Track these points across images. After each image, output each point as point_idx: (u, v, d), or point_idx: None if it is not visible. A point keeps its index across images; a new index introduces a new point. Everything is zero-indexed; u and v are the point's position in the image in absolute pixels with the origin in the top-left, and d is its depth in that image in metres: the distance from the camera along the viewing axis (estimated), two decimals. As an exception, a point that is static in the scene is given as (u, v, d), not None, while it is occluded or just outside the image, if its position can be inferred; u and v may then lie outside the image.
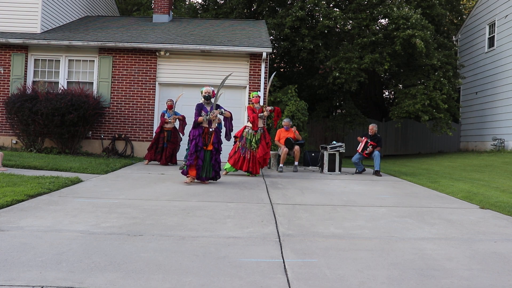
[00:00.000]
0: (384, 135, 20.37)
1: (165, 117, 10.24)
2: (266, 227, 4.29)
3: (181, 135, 10.45)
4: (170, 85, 12.01)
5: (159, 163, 10.30)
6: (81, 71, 12.09)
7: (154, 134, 10.80)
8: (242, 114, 11.94)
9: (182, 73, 12.05)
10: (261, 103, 9.09)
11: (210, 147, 7.14)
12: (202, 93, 7.32)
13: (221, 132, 7.41)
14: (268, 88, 9.16)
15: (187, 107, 11.22)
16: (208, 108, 7.22)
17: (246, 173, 8.65)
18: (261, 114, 8.69)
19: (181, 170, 7.31)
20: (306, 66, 19.38)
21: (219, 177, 7.42)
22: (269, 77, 11.87)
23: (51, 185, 6.09)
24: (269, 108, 8.78)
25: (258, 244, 3.70)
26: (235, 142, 8.80)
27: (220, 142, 7.34)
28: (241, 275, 2.94)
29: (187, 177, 7.10)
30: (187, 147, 9.33)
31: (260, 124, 8.73)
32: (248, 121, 8.77)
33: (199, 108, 7.18)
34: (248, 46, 11.78)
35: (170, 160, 10.33)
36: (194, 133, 7.12)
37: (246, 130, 8.67)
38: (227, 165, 8.68)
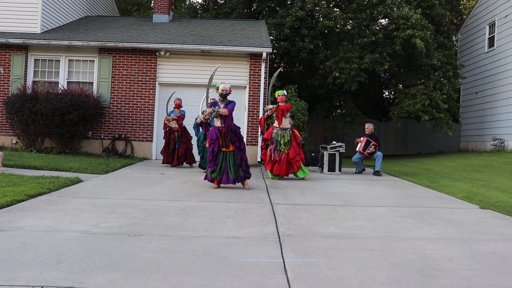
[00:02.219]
0: (384, 135, 20.38)
1: (170, 116, 10.00)
2: (266, 227, 4.28)
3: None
4: (170, 85, 12.00)
5: (169, 165, 10.00)
6: (81, 71, 12.09)
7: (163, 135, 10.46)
8: (243, 114, 11.95)
9: (182, 73, 12.05)
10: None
11: (232, 147, 6.68)
12: (218, 90, 6.81)
13: (239, 129, 6.91)
14: (270, 86, 8.75)
15: (186, 107, 11.21)
16: (222, 106, 6.74)
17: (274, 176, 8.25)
18: (266, 113, 8.24)
19: (204, 176, 6.94)
20: (306, 66, 19.38)
21: (250, 175, 6.91)
22: (269, 76, 11.88)
23: (51, 185, 6.09)
24: (270, 106, 8.24)
25: (258, 244, 3.70)
26: (266, 145, 8.31)
27: (241, 140, 6.80)
28: (241, 275, 2.94)
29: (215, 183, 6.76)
30: (199, 150, 9.22)
31: (287, 124, 8.22)
32: (276, 122, 8.30)
33: (213, 106, 6.74)
34: (248, 46, 11.78)
35: (184, 160, 10.06)
36: (212, 136, 6.65)
37: (275, 131, 8.16)
38: (269, 174, 8.29)
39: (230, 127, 6.69)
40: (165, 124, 10.20)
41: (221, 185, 6.81)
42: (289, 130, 8.21)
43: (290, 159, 8.07)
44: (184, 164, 10.29)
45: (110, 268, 2.99)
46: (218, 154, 6.63)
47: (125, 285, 2.71)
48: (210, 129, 6.88)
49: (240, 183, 6.85)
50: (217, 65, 11.89)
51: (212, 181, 6.77)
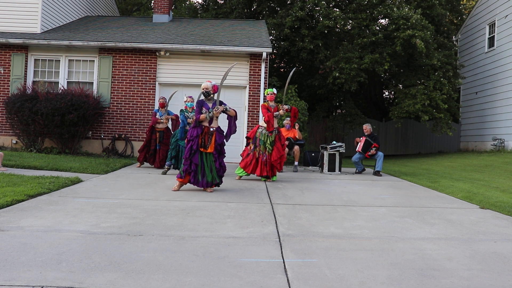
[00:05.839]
0: (384, 135, 20.38)
1: (157, 116, 9.54)
2: (266, 227, 4.28)
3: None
4: (170, 85, 12.00)
5: (152, 166, 9.66)
6: (81, 71, 12.09)
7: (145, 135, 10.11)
8: (242, 114, 11.94)
9: (182, 73, 12.06)
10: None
11: (211, 149, 6.35)
12: (201, 89, 6.60)
13: (224, 132, 6.68)
14: (287, 85, 8.40)
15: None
16: (210, 105, 6.51)
17: (260, 177, 7.87)
18: (276, 113, 7.83)
19: (177, 175, 6.55)
20: (306, 66, 19.38)
21: (221, 183, 6.66)
22: (269, 77, 11.88)
23: (51, 185, 6.09)
24: (285, 106, 7.84)
25: (258, 244, 3.70)
26: (247, 144, 8.12)
27: (223, 144, 6.55)
28: (241, 275, 2.94)
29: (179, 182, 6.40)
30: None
31: (275, 124, 7.90)
32: (263, 121, 7.96)
33: (200, 105, 6.40)
34: (248, 46, 11.78)
35: (165, 163, 9.51)
36: (192, 133, 6.33)
37: (260, 130, 7.82)
38: (238, 169, 7.91)
39: (219, 129, 6.52)
40: (152, 123, 9.66)
41: (196, 187, 6.43)
42: (275, 131, 7.89)
43: (273, 161, 7.71)
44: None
45: (110, 268, 2.99)
46: (196, 153, 6.33)
47: (125, 285, 2.72)
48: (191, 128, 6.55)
49: (206, 187, 6.42)
50: (217, 65, 12.04)
51: (182, 178, 6.34)
